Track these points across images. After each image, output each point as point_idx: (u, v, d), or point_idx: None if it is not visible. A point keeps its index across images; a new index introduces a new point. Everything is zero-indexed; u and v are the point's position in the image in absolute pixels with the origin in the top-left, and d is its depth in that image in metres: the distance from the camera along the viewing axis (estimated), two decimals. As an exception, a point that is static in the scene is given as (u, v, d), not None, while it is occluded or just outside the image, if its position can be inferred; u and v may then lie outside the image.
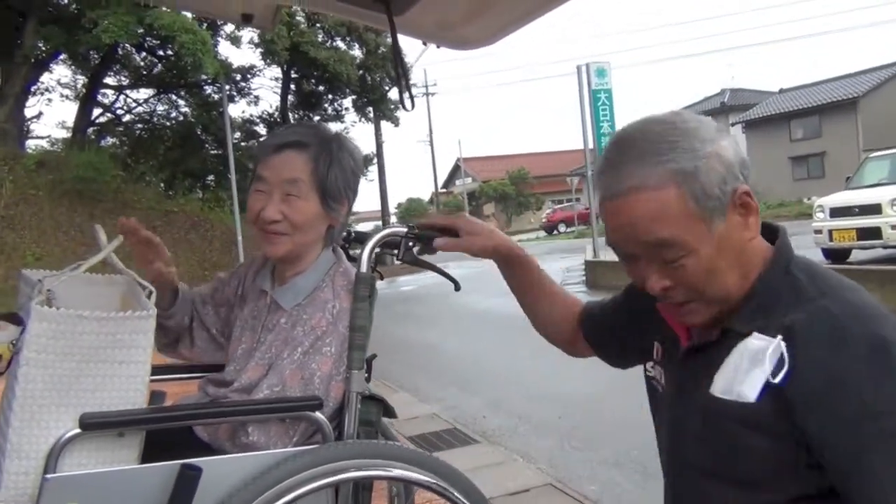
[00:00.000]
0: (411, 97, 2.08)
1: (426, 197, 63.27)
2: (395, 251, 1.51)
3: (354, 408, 1.53)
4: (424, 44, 2.33)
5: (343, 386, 1.54)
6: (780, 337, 0.97)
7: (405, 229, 1.51)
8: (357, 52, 22.65)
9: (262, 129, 23.85)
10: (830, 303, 0.97)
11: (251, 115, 24.54)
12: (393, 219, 51.76)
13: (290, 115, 23.33)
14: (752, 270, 1.05)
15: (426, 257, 1.53)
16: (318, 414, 1.51)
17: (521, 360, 7.08)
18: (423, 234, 1.48)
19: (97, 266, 1.54)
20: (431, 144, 50.08)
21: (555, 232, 41.25)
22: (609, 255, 16.54)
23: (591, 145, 17.96)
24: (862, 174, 11.55)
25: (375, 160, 29.10)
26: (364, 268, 1.57)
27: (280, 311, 1.65)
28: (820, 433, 0.92)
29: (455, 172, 63.01)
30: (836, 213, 10.54)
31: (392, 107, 24.63)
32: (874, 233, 10.08)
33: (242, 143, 23.38)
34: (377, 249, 1.56)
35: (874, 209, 10.14)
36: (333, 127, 1.83)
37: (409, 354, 8.02)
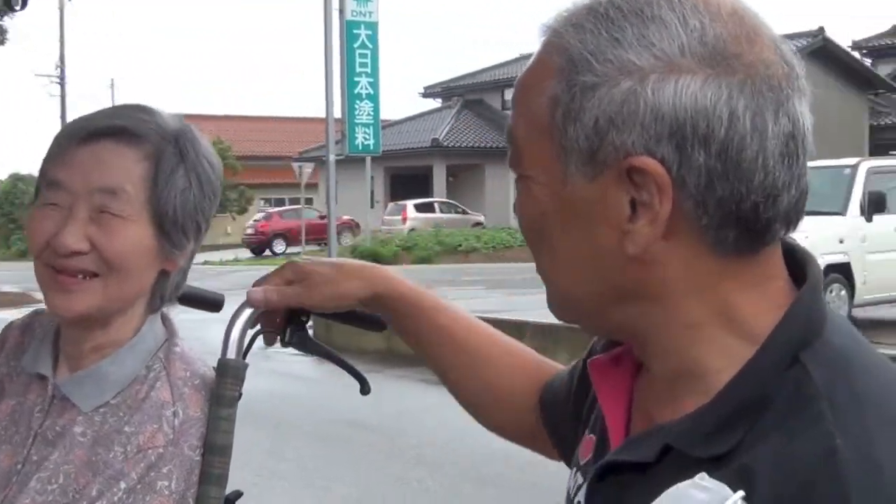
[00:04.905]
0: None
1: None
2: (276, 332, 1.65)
3: None
4: None
5: None
6: (740, 495, 0.91)
7: None
8: None
9: None
10: (849, 446, 0.91)
11: None
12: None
13: None
14: (696, 337, 1.03)
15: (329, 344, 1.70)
16: None
17: None
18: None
19: None
20: (62, 83, 48.15)
21: (266, 252, 41.33)
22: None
23: (337, 112, 18.17)
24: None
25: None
26: (233, 352, 1.61)
27: (71, 413, 1.64)
28: None
29: (101, 135, 61.01)
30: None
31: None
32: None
33: None
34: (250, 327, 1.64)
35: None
36: None
37: None
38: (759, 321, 1.01)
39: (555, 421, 1.45)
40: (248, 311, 1.63)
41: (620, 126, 0.98)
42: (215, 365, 1.66)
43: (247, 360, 1.65)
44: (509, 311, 13.95)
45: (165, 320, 1.77)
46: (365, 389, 1.71)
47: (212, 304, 1.79)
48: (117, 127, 1.63)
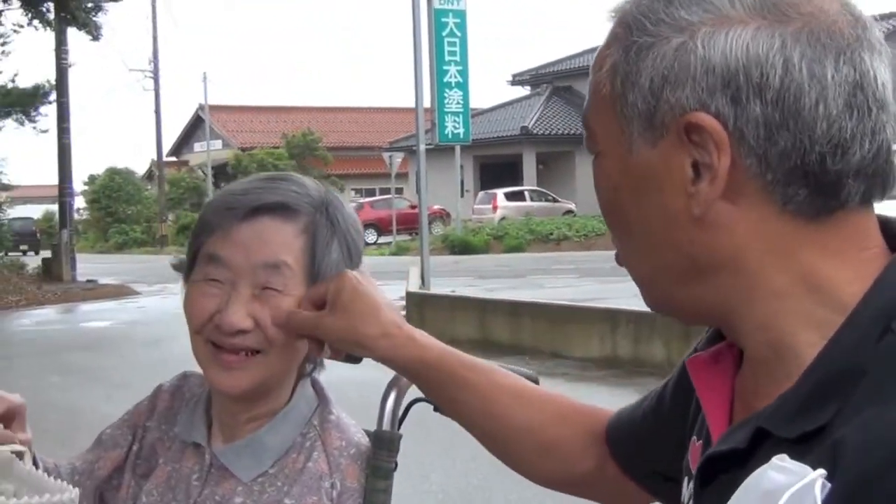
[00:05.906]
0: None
1: (141, 168, 61.53)
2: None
3: None
4: None
5: None
6: (820, 473, 0.86)
7: None
8: None
9: None
10: None
11: None
12: (80, 201, 50.10)
13: None
14: (779, 309, 1.00)
15: None
16: None
17: None
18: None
19: None
20: (156, 77, 48.89)
21: (358, 242, 41.55)
22: (447, 287, 16.80)
23: (426, 102, 18.21)
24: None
25: (53, 95, 27.92)
26: (387, 423, 1.66)
27: (230, 483, 1.67)
28: None
29: (195, 129, 61.90)
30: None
31: (90, 5, 23.75)
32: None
33: None
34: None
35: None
36: None
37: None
38: (848, 290, 0.97)
39: (631, 453, 1.41)
40: (402, 382, 1.66)
41: (673, 82, 0.98)
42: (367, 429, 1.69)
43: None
44: (603, 300, 13.85)
45: (315, 385, 1.77)
46: None
47: (351, 357, 1.79)
48: (277, 203, 1.64)
